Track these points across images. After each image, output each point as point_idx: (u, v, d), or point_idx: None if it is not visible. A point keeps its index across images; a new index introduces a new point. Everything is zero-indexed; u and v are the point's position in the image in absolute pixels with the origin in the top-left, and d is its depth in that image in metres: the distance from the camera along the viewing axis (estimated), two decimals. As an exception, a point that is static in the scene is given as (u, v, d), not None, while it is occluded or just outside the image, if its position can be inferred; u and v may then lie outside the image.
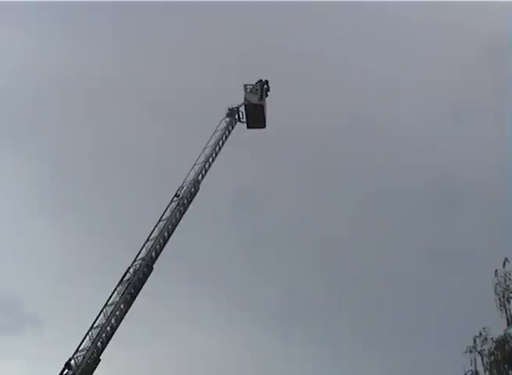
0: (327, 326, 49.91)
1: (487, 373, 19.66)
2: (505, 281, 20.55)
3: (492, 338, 19.98)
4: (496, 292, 20.51)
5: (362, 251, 50.91)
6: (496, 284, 20.57)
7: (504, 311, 20.21)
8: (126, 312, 19.41)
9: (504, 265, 20.53)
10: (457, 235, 49.44)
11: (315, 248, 51.24)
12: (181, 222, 22.19)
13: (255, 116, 28.49)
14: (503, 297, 20.29)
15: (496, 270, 20.62)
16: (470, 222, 49.32)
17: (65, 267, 51.20)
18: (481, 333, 20.04)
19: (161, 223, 21.54)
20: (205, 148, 25.95)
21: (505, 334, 19.93)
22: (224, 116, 27.98)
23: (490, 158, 47.22)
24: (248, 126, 28.92)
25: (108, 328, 18.85)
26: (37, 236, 51.29)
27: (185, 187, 23.63)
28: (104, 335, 18.65)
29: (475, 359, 19.95)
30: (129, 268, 19.85)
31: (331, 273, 52.03)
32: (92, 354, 18.04)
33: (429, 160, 52.24)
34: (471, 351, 20.09)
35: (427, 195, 51.60)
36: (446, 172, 50.35)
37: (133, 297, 19.63)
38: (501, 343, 19.86)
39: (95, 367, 18.53)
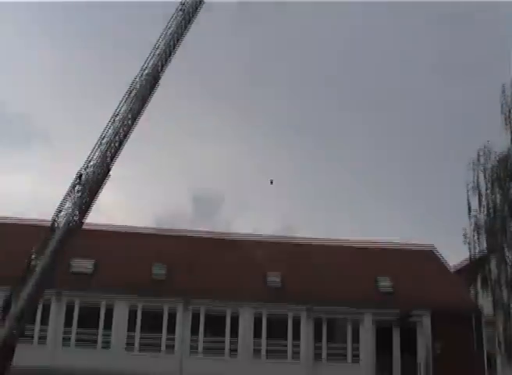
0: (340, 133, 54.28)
1: (489, 185, 20.26)
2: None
3: (495, 152, 20.38)
4: (502, 111, 20.55)
5: (372, 65, 51.30)
6: (503, 103, 20.60)
7: (509, 129, 20.38)
8: (133, 123, 19.30)
9: (512, 83, 20.43)
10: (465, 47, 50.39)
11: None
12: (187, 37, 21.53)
13: None
14: (509, 113, 20.37)
15: (504, 85, 20.50)
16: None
17: (70, 83, 53.15)
18: (485, 147, 20.39)
19: (168, 37, 20.93)
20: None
21: (508, 151, 20.27)
22: None
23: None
24: None
25: (117, 139, 18.82)
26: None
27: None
28: (113, 145, 18.65)
29: (478, 175, 20.48)
30: (135, 78, 19.52)
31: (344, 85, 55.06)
32: (102, 167, 18.08)
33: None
34: (474, 170, 20.51)
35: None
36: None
37: (141, 107, 19.41)
38: (504, 159, 20.27)
39: (104, 181, 18.65)
